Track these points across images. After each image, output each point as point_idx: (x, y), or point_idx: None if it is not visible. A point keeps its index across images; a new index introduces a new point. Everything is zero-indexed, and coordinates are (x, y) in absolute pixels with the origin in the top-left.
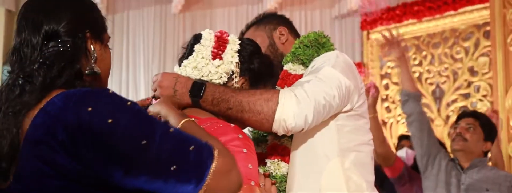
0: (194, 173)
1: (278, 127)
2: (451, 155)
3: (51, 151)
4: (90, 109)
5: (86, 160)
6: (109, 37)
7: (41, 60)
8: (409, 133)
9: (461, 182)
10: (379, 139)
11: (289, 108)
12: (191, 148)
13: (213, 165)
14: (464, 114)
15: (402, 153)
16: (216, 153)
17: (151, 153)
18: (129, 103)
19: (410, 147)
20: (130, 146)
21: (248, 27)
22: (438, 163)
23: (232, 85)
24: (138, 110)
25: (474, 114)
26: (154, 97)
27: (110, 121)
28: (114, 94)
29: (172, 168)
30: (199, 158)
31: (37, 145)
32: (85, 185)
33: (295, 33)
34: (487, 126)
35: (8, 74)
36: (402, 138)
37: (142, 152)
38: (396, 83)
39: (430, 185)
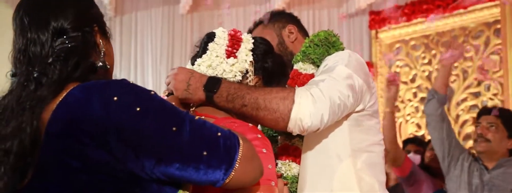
0: (224, 159)
1: (294, 126)
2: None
3: (79, 144)
4: (115, 98)
5: (117, 151)
6: (109, 32)
7: (55, 55)
8: (415, 134)
9: (484, 183)
10: (390, 137)
11: (305, 107)
12: (218, 134)
13: (240, 150)
14: (484, 111)
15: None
16: (240, 139)
17: (182, 139)
18: (152, 92)
19: (416, 151)
20: (161, 133)
21: (256, 25)
22: (460, 164)
23: (247, 83)
24: (162, 99)
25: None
26: (167, 95)
27: (138, 109)
28: (134, 83)
29: (203, 154)
30: (228, 143)
31: (62, 139)
32: (115, 179)
33: (304, 32)
34: (510, 123)
35: (12, 78)
36: (408, 142)
37: (173, 139)
38: (405, 83)
39: (453, 187)
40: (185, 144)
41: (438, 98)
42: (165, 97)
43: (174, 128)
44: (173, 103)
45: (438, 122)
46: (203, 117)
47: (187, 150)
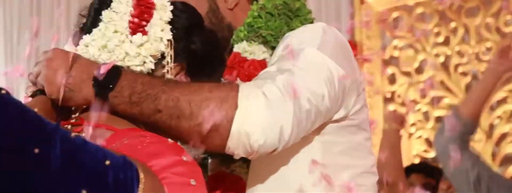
0: None
1: (237, 145)
2: None
3: None
4: None
5: None
6: None
7: None
8: (423, 156)
9: None
10: (394, 163)
11: (255, 115)
12: (107, 163)
13: (140, 187)
14: None
15: None
16: (140, 171)
17: (48, 169)
18: (2, 91)
19: (425, 185)
20: (15, 156)
21: None
22: None
23: (163, 75)
24: (18, 102)
25: None
26: (32, 95)
27: None
28: None
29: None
30: (121, 177)
31: None
32: None
33: None
34: None
35: None
36: (412, 171)
37: (35, 166)
38: (407, 74)
39: None
40: (53, 176)
41: (464, 125)
42: (29, 99)
43: (36, 150)
44: (37, 109)
45: (461, 171)
46: (81, 134)
47: (55, 186)
